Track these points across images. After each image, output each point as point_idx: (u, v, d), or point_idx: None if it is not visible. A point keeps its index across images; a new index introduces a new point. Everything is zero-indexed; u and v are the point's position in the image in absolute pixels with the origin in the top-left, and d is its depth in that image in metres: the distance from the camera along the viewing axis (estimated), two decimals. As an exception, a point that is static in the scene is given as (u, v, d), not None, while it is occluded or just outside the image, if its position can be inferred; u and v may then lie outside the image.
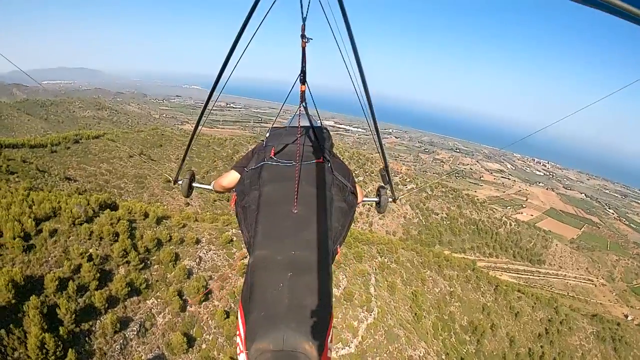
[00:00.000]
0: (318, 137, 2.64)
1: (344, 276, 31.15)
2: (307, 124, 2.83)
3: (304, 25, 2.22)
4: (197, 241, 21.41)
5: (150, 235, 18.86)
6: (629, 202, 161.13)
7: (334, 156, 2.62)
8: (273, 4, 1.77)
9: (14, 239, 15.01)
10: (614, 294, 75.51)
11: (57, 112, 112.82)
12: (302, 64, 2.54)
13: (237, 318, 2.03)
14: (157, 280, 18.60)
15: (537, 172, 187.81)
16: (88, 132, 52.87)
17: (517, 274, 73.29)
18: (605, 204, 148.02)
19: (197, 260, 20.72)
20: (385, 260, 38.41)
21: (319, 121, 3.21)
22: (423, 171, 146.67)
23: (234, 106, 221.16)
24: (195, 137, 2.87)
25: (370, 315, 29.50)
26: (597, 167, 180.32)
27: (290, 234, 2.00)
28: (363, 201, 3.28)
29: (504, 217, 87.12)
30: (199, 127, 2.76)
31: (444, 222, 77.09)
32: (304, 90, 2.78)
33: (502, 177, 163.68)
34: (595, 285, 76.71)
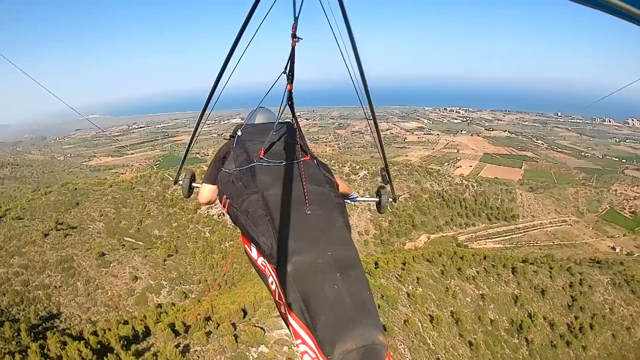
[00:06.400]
0: (300, 135, 2.62)
1: (403, 345, 23.38)
2: (274, 121, 2.86)
3: (295, 24, 2.11)
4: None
5: None
6: (550, 128, 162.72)
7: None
8: (272, 6, 1.79)
9: None
10: (590, 227, 73.24)
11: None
12: (290, 63, 2.44)
13: (291, 330, 1.85)
14: None
15: (455, 120, 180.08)
16: (-19, 218, 37.22)
17: (500, 237, 67.50)
18: (532, 136, 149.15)
19: None
20: (410, 287, 31.00)
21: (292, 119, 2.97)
22: (347, 147, 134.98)
23: (136, 127, 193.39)
24: (195, 139, 3.01)
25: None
26: (507, 101, 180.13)
27: (318, 235, 1.95)
28: (362, 201, 3.55)
29: (464, 181, 79.46)
30: (199, 129, 2.88)
31: (410, 203, 66.55)
32: (291, 90, 2.66)
33: (425, 134, 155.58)
34: (571, 225, 73.66)
